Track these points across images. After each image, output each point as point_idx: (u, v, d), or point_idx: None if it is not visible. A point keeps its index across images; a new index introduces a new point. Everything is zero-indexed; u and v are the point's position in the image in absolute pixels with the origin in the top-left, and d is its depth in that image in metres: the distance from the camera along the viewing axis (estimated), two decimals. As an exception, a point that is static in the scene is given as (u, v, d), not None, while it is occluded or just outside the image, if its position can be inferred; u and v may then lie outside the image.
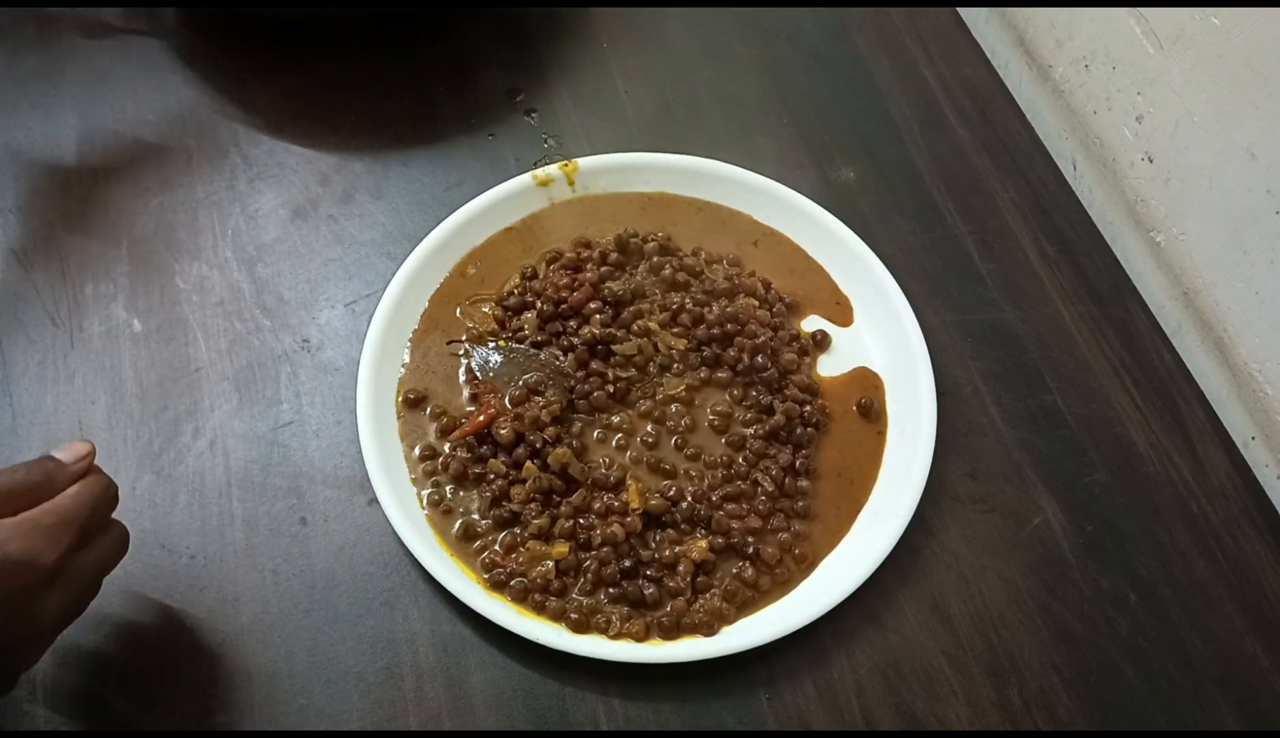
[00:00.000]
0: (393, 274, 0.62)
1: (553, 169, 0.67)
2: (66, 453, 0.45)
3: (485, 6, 0.77)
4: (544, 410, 0.57)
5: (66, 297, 0.63)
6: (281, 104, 0.72)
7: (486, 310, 0.62)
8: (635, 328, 0.60)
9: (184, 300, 0.63)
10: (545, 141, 0.71)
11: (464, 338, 0.61)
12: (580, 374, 0.59)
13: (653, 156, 0.68)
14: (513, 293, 0.62)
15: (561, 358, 0.59)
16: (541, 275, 0.63)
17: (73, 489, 0.44)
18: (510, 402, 0.57)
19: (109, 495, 0.46)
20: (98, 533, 0.46)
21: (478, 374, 0.59)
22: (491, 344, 0.60)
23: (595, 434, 0.58)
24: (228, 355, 0.61)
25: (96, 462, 0.46)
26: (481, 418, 0.57)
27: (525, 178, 0.66)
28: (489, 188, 0.66)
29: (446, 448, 0.57)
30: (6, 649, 0.43)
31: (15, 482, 0.43)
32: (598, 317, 0.60)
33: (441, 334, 0.61)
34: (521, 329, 0.61)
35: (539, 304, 0.61)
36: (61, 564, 0.43)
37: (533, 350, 0.60)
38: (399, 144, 0.70)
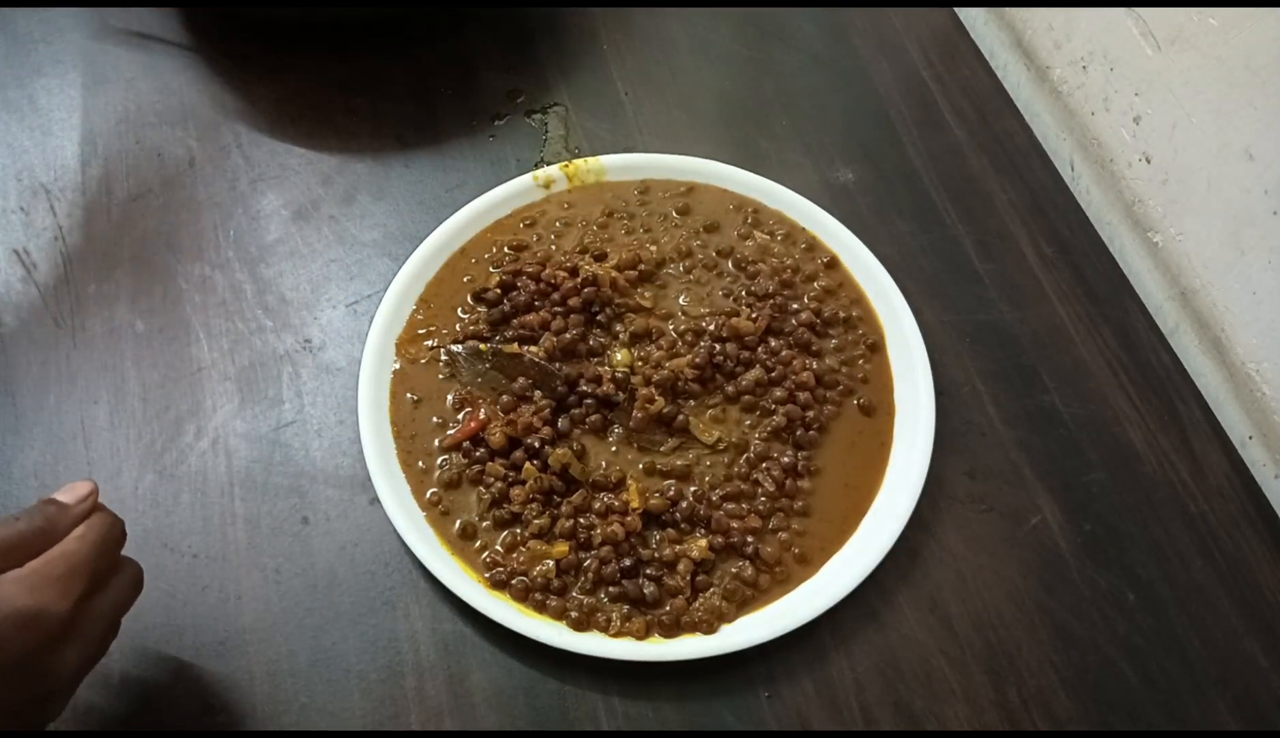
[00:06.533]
0: (394, 275, 0.62)
1: (553, 170, 0.67)
2: (68, 494, 0.43)
3: (486, 7, 0.78)
4: (535, 416, 0.57)
5: (69, 297, 0.63)
6: (284, 105, 0.72)
7: (480, 312, 0.62)
8: (620, 338, 0.61)
9: (186, 301, 0.63)
10: (544, 142, 0.71)
11: (442, 344, 0.60)
12: (565, 390, 0.58)
13: (652, 157, 0.69)
14: (487, 288, 0.62)
15: (541, 357, 0.59)
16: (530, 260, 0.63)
17: (78, 532, 0.42)
18: (501, 409, 0.58)
19: (116, 534, 0.44)
20: (109, 574, 0.44)
21: (463, 382, 0.59)
22: (474, 344, 0.60)
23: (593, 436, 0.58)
24: (230, 355, 0.61)
25: (99, 487, 0.44)
26: (473, 424, 0.57)
27: (526, 178, 0.67)
28: (490, 188, 0.66)
29: (439, 460, 0.57)
30: (29, 708, 0.41)
31: (17, 532, 0.40)
32: (575, 314, 0.61)
33: (441, 337, 0.61)
34: (502, 325, 0.61)
35: (519, 294, 0.61)
36: (75, 613, 0.41)
37: (517, 349, 0.59)
38: (400, 145, 0.71)
